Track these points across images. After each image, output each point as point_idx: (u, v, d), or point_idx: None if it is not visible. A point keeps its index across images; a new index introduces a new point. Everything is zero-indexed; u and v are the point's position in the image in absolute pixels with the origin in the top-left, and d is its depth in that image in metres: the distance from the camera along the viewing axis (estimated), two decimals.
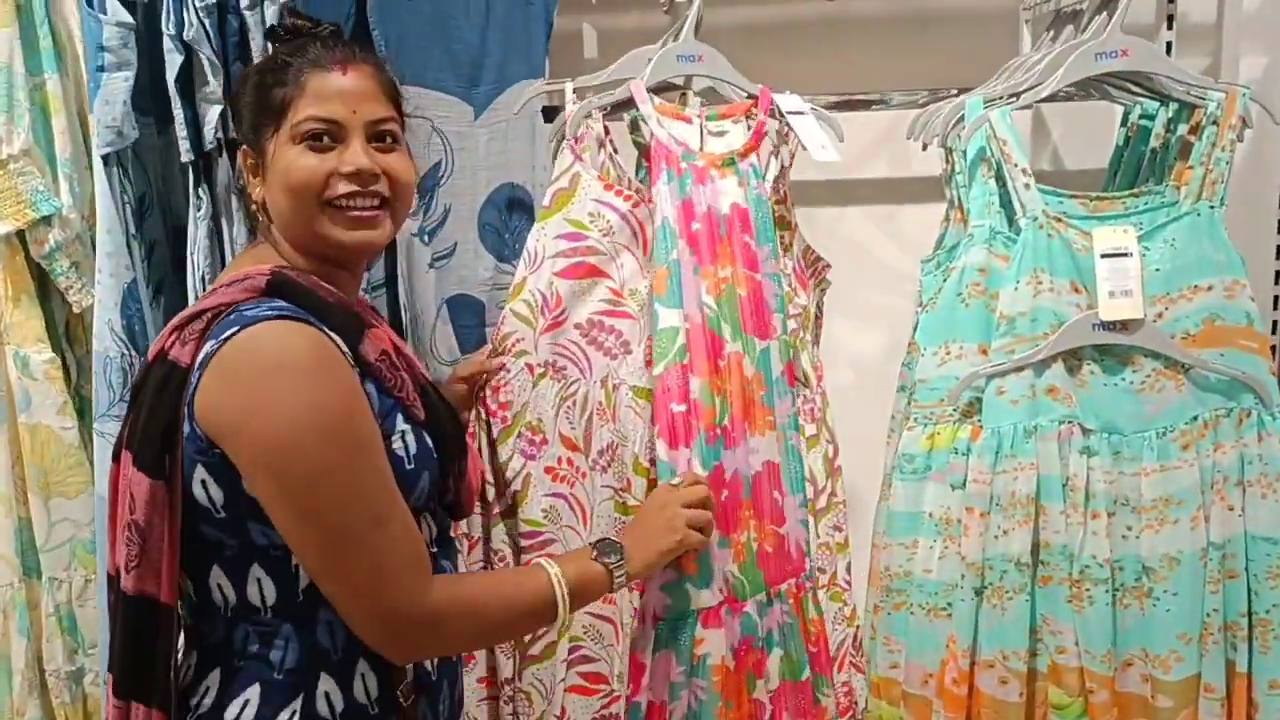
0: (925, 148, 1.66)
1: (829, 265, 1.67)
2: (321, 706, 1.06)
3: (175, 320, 1.05)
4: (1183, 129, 1.52)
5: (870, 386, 1.83)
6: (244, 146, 1.14)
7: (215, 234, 1.47)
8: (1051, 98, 1.66)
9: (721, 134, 1.55)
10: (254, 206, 1.14)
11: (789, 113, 1.53)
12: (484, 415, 1.51)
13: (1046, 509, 1.45)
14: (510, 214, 1.81)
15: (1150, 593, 1.46)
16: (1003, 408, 1.46)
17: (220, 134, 1.47)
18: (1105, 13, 1.51)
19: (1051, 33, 1.71)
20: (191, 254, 1.51)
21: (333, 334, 1.04)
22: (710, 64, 1.60)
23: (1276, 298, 1.89)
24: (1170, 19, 1.86)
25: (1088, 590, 1.45)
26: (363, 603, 1.02)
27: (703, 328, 1.42)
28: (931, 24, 1.98)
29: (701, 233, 1.46)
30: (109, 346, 1.51)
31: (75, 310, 1.60)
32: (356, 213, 1.11)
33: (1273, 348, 1.87)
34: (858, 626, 1.68)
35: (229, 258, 1.47)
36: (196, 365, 1.00)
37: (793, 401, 1.51)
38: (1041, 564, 1.47)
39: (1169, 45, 1.86)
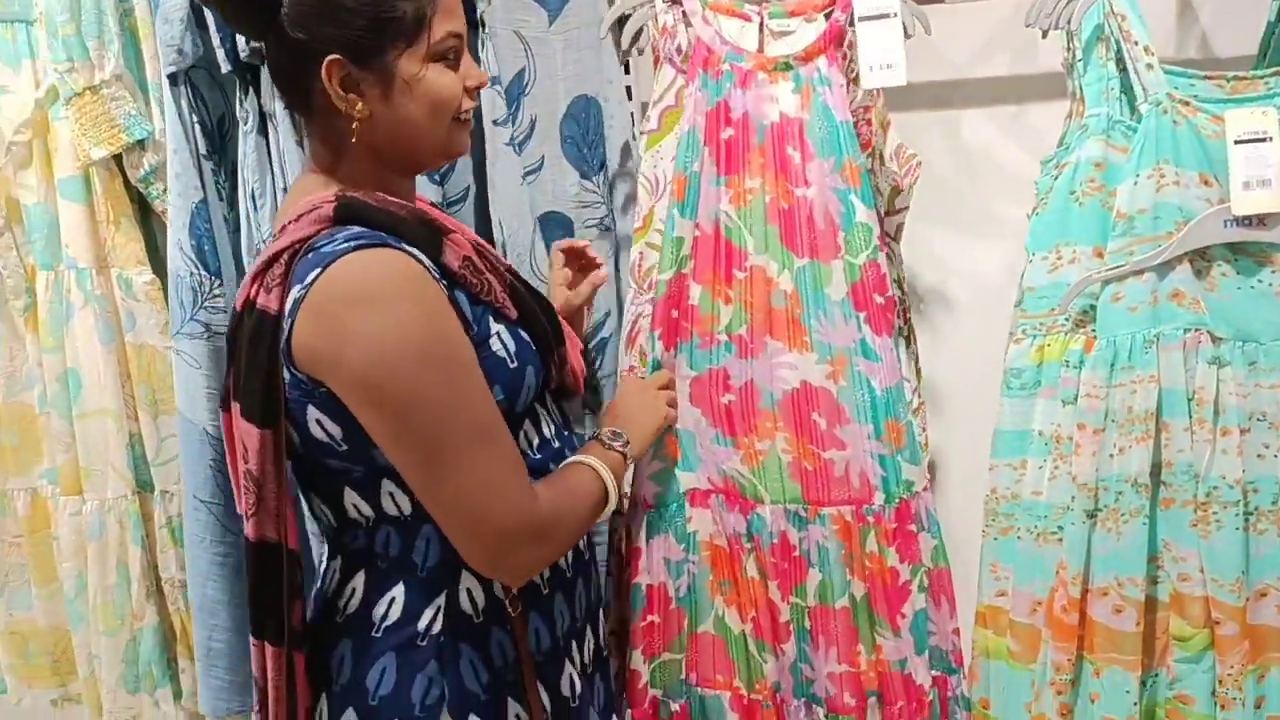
0: (1045, 34, 1.51)
1: (920, 163, 1.56)
2: (464, 603, 1.08)
3: (256, 266, 1.04)
4: None
5: (992, 305, 1.71)
6: (335, 58, 1.05)
7: (264, 147, 1.47)
8: None
9: (786, 34, 1.47)
10: (355, 124, 1.07)
11: (863, 18, 1.42)
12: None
13: (1169, 425, 1.34)
14: (589, 128, 1.75)
15: None
16: (1120, 315, 1.35)
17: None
18: None
19: None
20: (241, 170, 1.52)
21: (412, 250, 1.03)
22: None
23: None
24: None
25: (1215, 514, 1.33)
26: (472, 523, 1.03)
27: (715, 237, 1.43)
28: None
29: (734, 140, 1.41)
30: (179, 266, 1.53)
31: None
32: (469, 123, 1.14)
33: None
34: None
35: (280, 172, 1.47)
36: (286, 312, 1.00)
37: (859, 327, 1.43)
38: (1163, 485, 1.35)
39: None
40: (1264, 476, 1.34)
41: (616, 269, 1.68)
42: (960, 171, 1.89)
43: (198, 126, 1.52)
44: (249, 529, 1.05)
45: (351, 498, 1.07)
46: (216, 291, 1.55)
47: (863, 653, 1.46)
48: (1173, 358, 1.33)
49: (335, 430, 1.02)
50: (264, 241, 1.51)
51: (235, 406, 1.04)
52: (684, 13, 1.47)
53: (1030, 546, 1.44)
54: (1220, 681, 1.35)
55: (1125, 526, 1.35)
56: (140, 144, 1.57)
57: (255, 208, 1.51)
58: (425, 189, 1.58)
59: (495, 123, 1.61)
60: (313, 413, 1.02)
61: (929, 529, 1.49)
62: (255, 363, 1.01)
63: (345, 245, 0.99)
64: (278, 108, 1.46)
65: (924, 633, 1.49)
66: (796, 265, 1.44)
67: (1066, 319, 1.39)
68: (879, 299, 1.44)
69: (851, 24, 1.45)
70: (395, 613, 1.07)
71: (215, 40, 1.43)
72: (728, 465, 1.45)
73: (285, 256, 1.01)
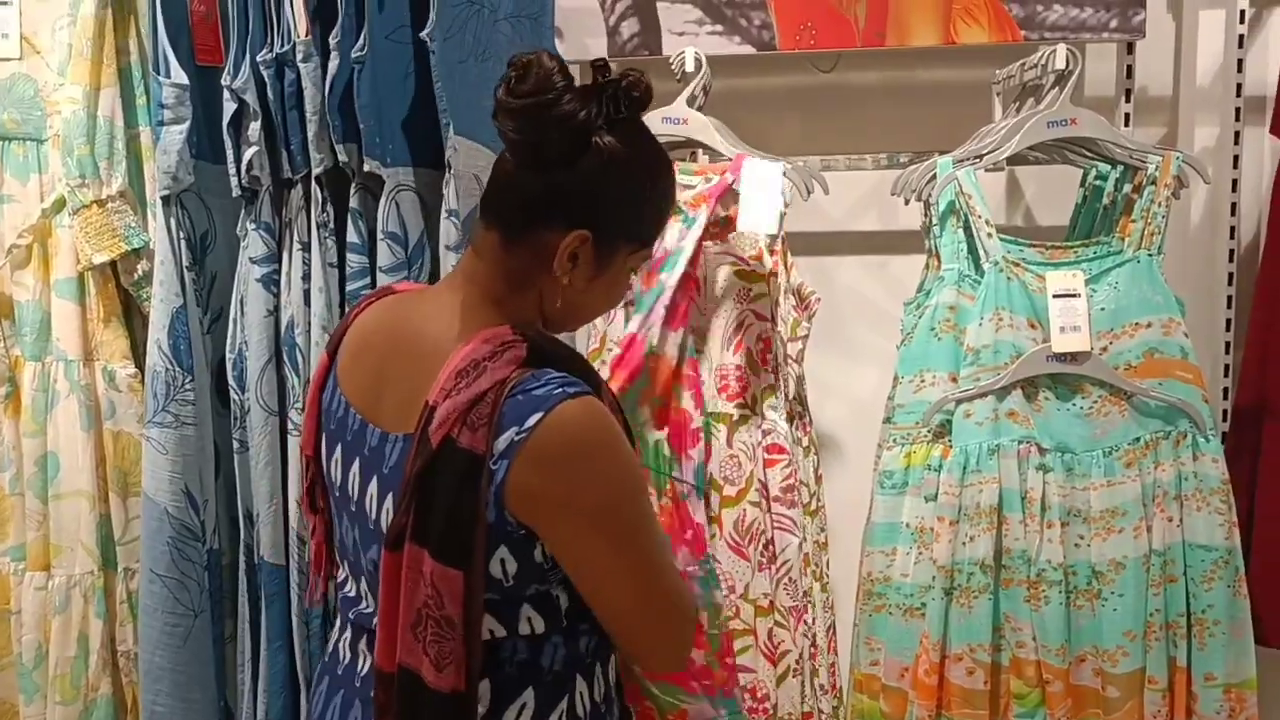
0: (907, 202, 1.87)
1: (820, 299, 1.87)
2: (579, 706, 1.12)
3: (451, 405, 1.00)
4: (1127, 188, 1.74)
5: (863, 418, 2.02)
6: (583, 232, 1.06)
7: (271, 262, 1.67)
8: (1022, 161, 1.90)
9: (689, 187, 1.77)
10: (562, 285, 1.09)
11: (749, 186, 1.72)
12: None
13: (1008, 519, 1.64)
14: None
15: (1099, 594, 1.65)
16: (970, 429, 1.66)
17: (259, 172, 1.64)
18: (1059, 87, 1.73)
19: (1017, 104, 1.94)
20: (237, 285, 1.71)
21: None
22: (692, 126, 1.81)
23: (1228, 343, 2.09)
24: (1128, 92, 2.08)
25: (1044, 591, 1.64)
26: (675, 628, 1.12)
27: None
28: (918, 94, 2.21)
29: None
30: (156, 362, 1.69)
31: None
32: None
33: (1225, 389, 2.08)
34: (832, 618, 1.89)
35: (284, 289, 1.67)
36: (496, 454, 0.99)
37: None
38: (1003, 568, 1.65)
39: (1127, 117, 2.08)
40: (1080, 561, 1.66)
41: None
42: (836, 309, 2.23)
43: (183, 242, 1.70)
44: (441, 681, 1.00)
45: (489, 623, 1.07)
46: (188, 387, 1.71)
47: None
48: (1010, 464, 1.64)
49: (513, 568, 1.04)
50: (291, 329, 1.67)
51: (415, 550, 1.00)
52: None
53: (899, 621, 1.71)
54: None
55: (975, 602, 1.65)
56: (136, 252, 1.75)
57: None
58: None
59: (447, 248, 1.85)
60: (501, 552, 1.03)
61: None
62: (460, 503, 0.99)
63: (559, 391, 1.01)
64: (298, 226, 1.67)
65: None
66: None
67: (928, 431, 1.70)
68: None
69: (737, 187, 1.73)
70: (525, 718, 1.08)
71: (232, 169, 1.64)
72: None
73: (491, 397, 1.00)
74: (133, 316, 1.83)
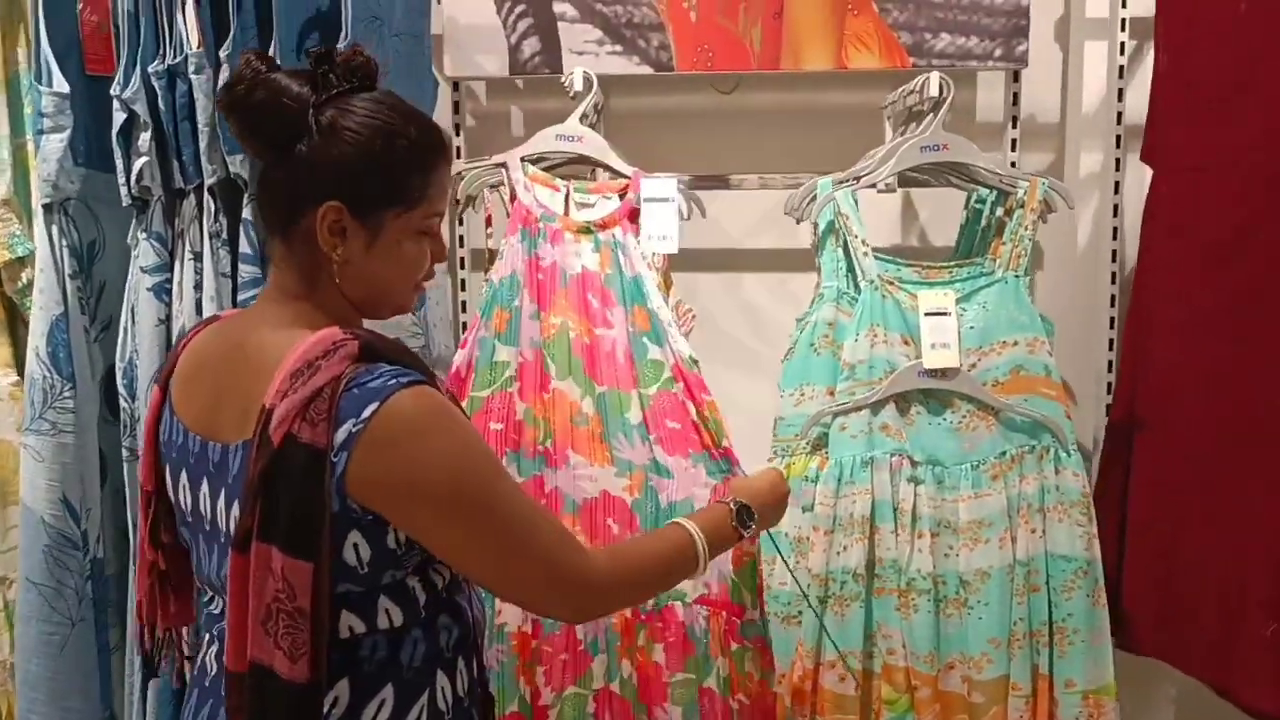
0: (799, 221, 1.92)
1: (694, 315, 1.90)
2: (439, 700, 1.15)
3: (289, 404, 1.02)
4: (1000, 211, 1.80)
5: (762, 432, 2.05)
6: (334, 204, 1.09)
7: (163, 272, 1.67)
8: (914, 183, 1.95)
9: (588, 205, 1.81)
10: (334, 266, 1.12)
11: (647, 199, 1.77)
12: None
13: (880, 529, 1.69)
14: None
15: (966, 603, 1.70)
16: (845, 441, 1.71)
17: (150, 182, 1.65)
18: (934, 113, 1.79)
19: (903, 128, 2.00)
20: (128, 294, 1.71)
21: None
22: (588, 144, 1.84)
23: (1110, 361, 2.16)
24: (1015, 119, 2.15)
25: (914, 600, 1.69)
26: (546, 589, 1.15)
27: (535, 364, 1.69)
28: (816, 117, 2.26)
29: (544, 283, 1.72)
30: (34, 369, 1.69)
31: None
32: (422, 289, 1.23)
33: (1107, 405, 2.15)
34: None
35: (176, 298, 1.68)
36: (336, 446, 1.02)
37: (652, 448, 1.70)
38: (875, 577, 1.70)
39: (1014, 142, 2.15)
40: (949, 571, 1.71)
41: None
42: (737, 324, 2.28)
43: (66, 250, 1.70)
44: (295, 672, 1.01)
45: (348, 619, 1.09)
46: (66, 394, 1.70)
47: None
48: (883, 476, 1.69)
49: (367, 554, 1.07)
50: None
51: (263, 548, 1.01)
52: (512, 182, 1.81)
53: (778, 628, 1.74)
54: None
55: (848, 610, 1.69)
56: (20, 260, 1.75)
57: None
58: None
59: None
60: (352, 538, 1.06)
61: (699, 640, 1.69)
62: (305, 497, 1.01)
63: (394, 382, 1.04)
64: (191, 236, 1.68)
65: None
66: (597, 392, 1.72)
67: (807, 443, 1.74)
68: (671, 424, 1.71)
69: (640, 204, 1.79)
70: (385, 714, 1.10)
71: (122, 179, 1.64)
72: None
73: (327, 392, 1.03)
74: (16, 325, 1.82)
